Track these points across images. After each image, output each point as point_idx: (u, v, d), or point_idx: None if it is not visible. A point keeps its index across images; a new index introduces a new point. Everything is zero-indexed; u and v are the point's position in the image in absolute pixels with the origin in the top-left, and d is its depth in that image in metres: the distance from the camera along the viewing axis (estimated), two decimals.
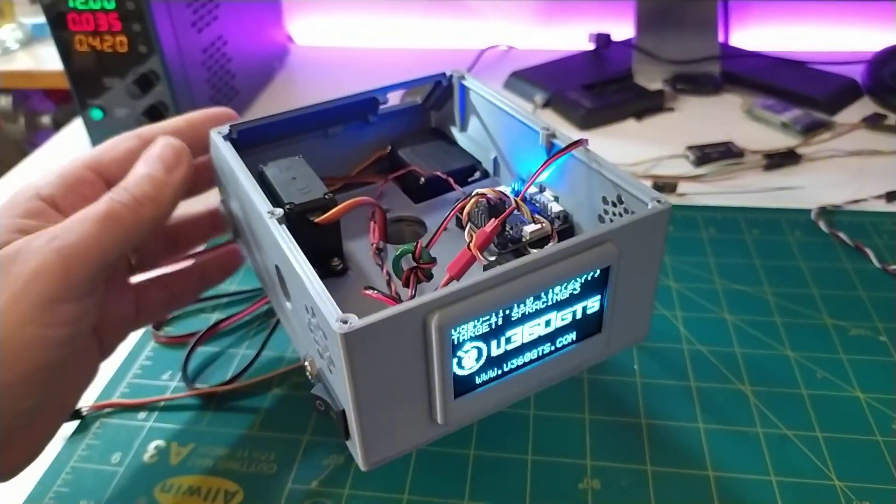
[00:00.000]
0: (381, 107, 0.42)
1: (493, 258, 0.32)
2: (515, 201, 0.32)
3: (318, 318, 0.26)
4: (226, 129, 0.36)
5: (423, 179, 0.39)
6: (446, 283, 0.30)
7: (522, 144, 0.37)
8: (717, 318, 0.46)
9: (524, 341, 0.29)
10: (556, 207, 0.36)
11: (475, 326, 0.27)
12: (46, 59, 0.94)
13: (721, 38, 0.83)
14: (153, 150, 0.34)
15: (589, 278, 0.29)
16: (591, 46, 0.84)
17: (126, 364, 0.44)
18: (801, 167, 0.62)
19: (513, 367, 0.30)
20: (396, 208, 0.40)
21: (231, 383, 0.42)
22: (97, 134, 0.63)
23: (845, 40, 0.87)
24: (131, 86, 0.58)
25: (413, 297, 0.31)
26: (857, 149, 0.64)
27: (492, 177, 0.42)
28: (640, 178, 0.60)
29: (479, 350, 0.28)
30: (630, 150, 0.65)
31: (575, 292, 0.29)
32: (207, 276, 0.42)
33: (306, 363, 0.30)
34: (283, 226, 0.29)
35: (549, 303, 0.29)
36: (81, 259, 0.29)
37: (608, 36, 0.82)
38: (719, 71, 0.77)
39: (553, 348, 0.31)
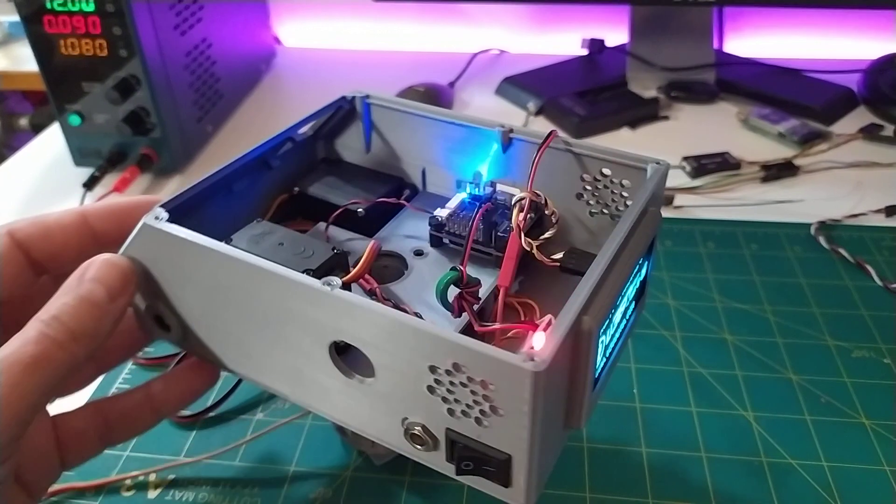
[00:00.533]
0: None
1: (559, 255, 0.31)
2: (532, 192, 0.31)
3: (473, 370, 0.23)
4: (161, 212, 0.29)
5: (361, 210, 0.36)
6: (504, 297, 0.29)
7: (465, 148, 0.36)
8: (718, 338, 0.45)
9: (616, 322, 0.29)
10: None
11: (606, 320, 0.26)
12: (24, 60, 0.91)
13: (715, 45, 0.82)
14: (91, 271, 0.27)
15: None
16: (584, 52, 0.83)
17: (102, 387, 0.42)
18: (799, 179, 0.61)
19: (611, 352, 0.29)
20: (354, 249, 0.35)
21: (212, 409, 0.40)
22: (75, 140, 0.60)
23: (840, 49, 0.86)
24: (111, 91, 0.55)
25: (475, 320, 0.29)
26: (854, 160, 0.63)
27: (422, 190, 0.39)
28: None
29: (601, 342, 0.27)
30: None
31: (639, 262, 0.30)
32: (158, 402, 0.32)
33: (415, 430, 0.26)
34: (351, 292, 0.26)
35: (629, 280, 0.29)
36: (7, 421, 0.23)
37: (602, 41, 0.81)
38: (714, 79, 0.76)
39: (625, 324, 0.31)
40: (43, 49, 0.56)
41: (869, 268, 0.50)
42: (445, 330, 0.23)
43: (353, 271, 0.28)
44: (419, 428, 0.26)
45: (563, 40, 0.89)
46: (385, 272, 0.34)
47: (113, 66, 0.56)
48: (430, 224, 0.34)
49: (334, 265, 0.30)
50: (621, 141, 0.68)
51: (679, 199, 0.58)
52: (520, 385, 0.22)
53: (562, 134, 0.33)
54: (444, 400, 0.24)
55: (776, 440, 0.38)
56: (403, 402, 0.26)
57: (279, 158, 0.38)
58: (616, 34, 0.83)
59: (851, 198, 0.58)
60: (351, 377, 0.27)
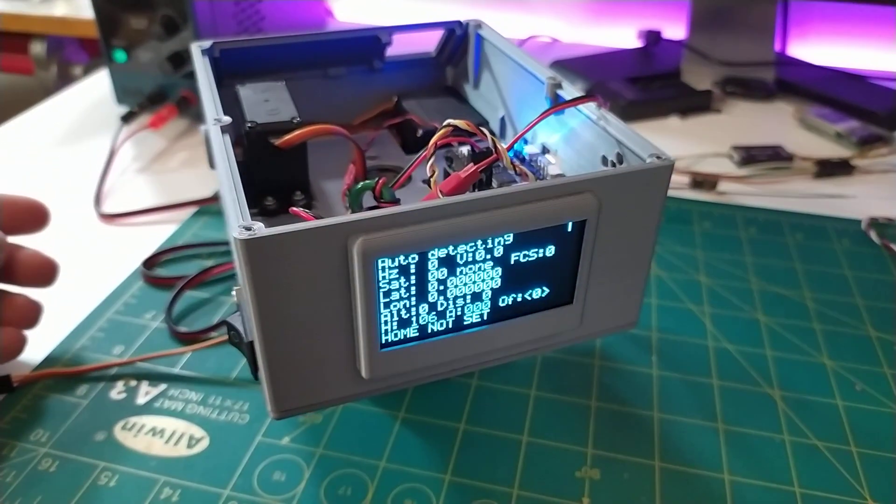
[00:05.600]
0: (390, 55, 0.39)
1: None
2: (497, 148, 0.28)
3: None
4: (207, 44, 0.33)
5: (420, 131, 0.36)
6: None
7: (531, 100, 0.34)
8: (750, 317, 0.42)
9: (472, 293, 0.26)
10: (553, 170, 0.32)
11: (409, 264, 0.24)
12: (83, 7, 0.93)
13: (778, 48, 0.79)
14: None
15: (560, 232, 0.25)
16: (639, 45, 0.81)
17: (110, 300, 0.42)
18: (854, 179, 0.58)
19: (457, 323, 0.26)
20: (385, 157, 0.36)
21: (214, 329, 0.39)
22: (119, 78, 0.61)
23: None
24: (156, 26, 0.56)
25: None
26: None
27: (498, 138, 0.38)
28: (679, 173, 0.57)
29: (414, 295, 0.24)
30: (670, 145, 0.59)
31: (541, 246, 0.26)
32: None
33: (234, 291, 0.27)
34: (227, 135, 0.27)
35: (506, 253, 0.25)
36: None
37: (658, 33, 0.79)
38: (773, 78, 0.73)
39: (511, 311, 0.27)
40: None
41: None
42: (234, 176, 0.25)
43: (285, 138, 0.30)
44: (238, 287, 0.26)
45: (618, 34, 0.87)
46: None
47: (160, 3, 0.56)
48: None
49: (280, 130, 0.31)
50: (669, 128, 0.66)
51: (723, 186, 0.56)
52: (237, 253, 0.22)
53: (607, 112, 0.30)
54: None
55: (801, 420, 0.35)
56: None
57: (388, 66, 0.38)
58: (673, 30, 0.80)
59: None
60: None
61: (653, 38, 0.79)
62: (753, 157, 0.59)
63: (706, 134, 0.64)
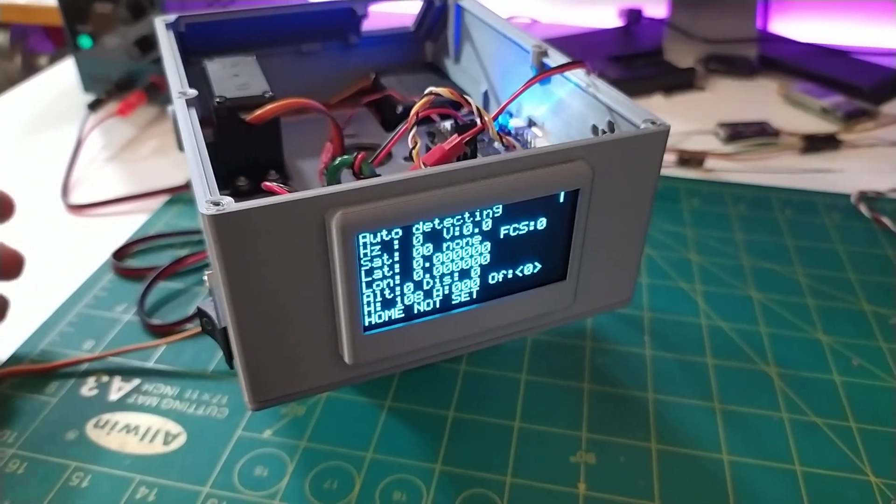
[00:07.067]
0: (367, 31, 0.37)
1: None
2: (483, 118, 0.27)
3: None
4: (172, 18, 0.31)
5: (400, 108, 0.34)
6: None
7: (516, 71, 0.32)
8: (742, 294, 0.41)
9: (459, 269, 0.24)
10: (541, 143, 0.30)
11: (392, 239, 0.22)
12: None
13: (760, 24, 0.78)
14: None
15: (552, 203, 0.24)
16: (620, 23, 0.79)
17: (80, 293, 0.40)
18: (842, 153, 0.57)
19: (444, 303, 0.25)
20: (364, 135, 0.35)
21: (189, 321, 0.37)
22: (85, 65, 0.59)
23: (890, 38, 0.81)
24: (122, 9, 0.54)
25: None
26: None
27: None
28: (665, 151, 0.55)
29: (398, 273, 0.23)
30: None
31: (532, 219, 0.24)
32: None
33: (206, 275, 0.25)
34: (193, 109, 0.25)
35: (495, 226, 0.24)
36: None
37: (639, 11, 0.78)
38: (756, 54, 0.72)
39: (501, 289, 0.25)
40: None
41: None
42: (201, 149, 0.23)
43: (256, 113, 0.28)
44: (210, 272, 0.24)
45: (598, 13, 0.86)
46: None
47: None
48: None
49: (252, 105, 0.29)
50: (653, 107, 0.64)
51: (710, 163, 0.55)
52: (207, 231, 0.21)
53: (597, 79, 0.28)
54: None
55: (800, 397, 0.34)
56: None
57: (365, 41, 0.36)
58: (654, 8, 0.79)
59: None
60: None
61: (634, 16, 0.78)
62: (739, 133, 0.58)
63: (691, 112, 0.63)
